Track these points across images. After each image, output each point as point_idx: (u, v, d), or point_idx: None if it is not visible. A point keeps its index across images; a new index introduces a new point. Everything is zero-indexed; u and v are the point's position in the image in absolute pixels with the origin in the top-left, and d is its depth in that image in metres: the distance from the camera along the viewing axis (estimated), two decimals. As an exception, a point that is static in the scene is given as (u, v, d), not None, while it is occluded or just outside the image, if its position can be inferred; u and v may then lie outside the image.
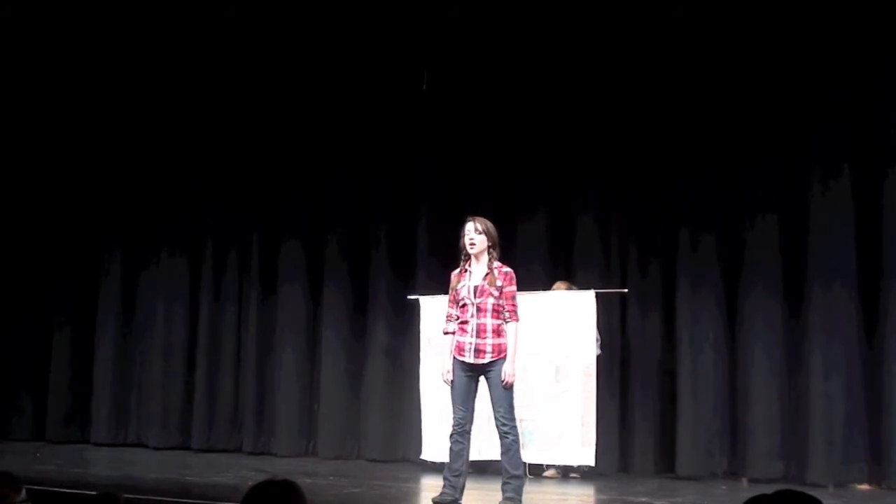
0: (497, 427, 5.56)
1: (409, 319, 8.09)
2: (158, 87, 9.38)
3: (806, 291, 7.14)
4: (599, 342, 7.32)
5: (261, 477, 2.85)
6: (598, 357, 7.23)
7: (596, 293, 7.25)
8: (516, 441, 5.54)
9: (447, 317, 5.73)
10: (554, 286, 7.52)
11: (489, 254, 5.66)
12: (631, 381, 7.71)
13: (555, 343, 7.08)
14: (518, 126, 8.17)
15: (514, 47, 8.09)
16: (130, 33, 8.89)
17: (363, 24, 8.36)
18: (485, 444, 6.65)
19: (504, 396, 5.52)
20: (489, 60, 8.20)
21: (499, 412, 5.52)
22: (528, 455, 6.60)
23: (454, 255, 8.18)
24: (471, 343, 5.56)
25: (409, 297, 7.97)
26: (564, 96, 8.04)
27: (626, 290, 7.61)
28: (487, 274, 5.61)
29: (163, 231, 9.52)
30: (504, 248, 5.96)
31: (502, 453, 5.55)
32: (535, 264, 7.87)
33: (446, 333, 5.72)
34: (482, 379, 5.63)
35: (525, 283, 6.40)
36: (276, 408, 8.82)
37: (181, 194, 9.42)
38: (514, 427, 5.54)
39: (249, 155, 9.17)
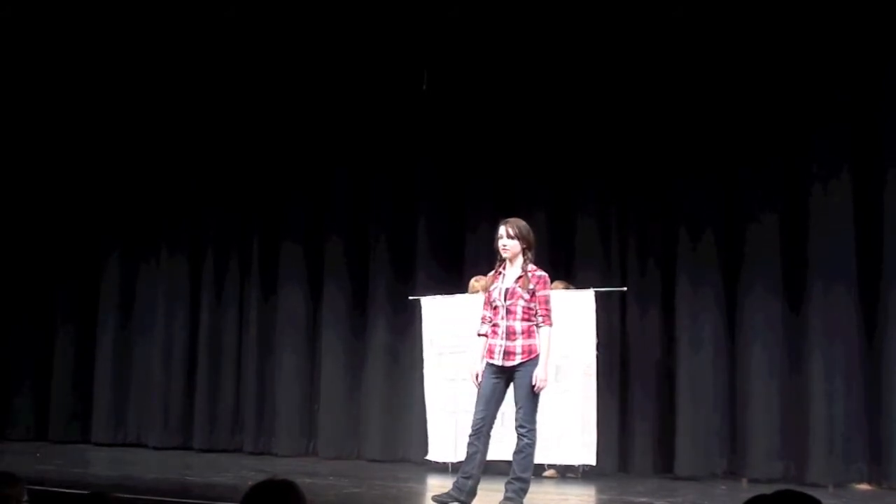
0: (515, 427, 5.50)
1: (408, 319, 8.10)
2: (158, 87, 9.38)
3: (806, 291, 7.13)
4: (597, 344, 7.27)
5: (261, 477, 2.85)
6: (597, 358, 7.21)
7: (595, 292, 7.25)
8: (531, 445, 5.46)
9: (481, 319, 5.68)
10: (552, 286, 7.49)
11: (524, 256, 5.61)
12: (631, 381, 7.70)
13: (554, 343, 7.04)
14: (518, 126, 8.17)
15: (514, 47, 8.10)
16: (130, 33, 8.90)
17: (363, 24, 8.36)
18: (491, 446, 6.62)
19: (528, 398, 5.45)
20: (489, 60, 8.20)
21: (519, 413, 5.47)
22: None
23: (454, 255, 8.30)
24: (500, 346, 5.52)
25: (410, 297, 7.97)
26: (564, 96, 8.04)
27: (625, 289, 7.61)
28: (520, 277, 5.55)
29: (163, 231, 9.52)
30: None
31: (514, 453, 5.49)
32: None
33: (479, 336, 5.67)
34: (511, 384, 5.56)
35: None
36: (276, 408, 8.82)
37: (181, 194, 9.42)
38: (533, 431, 5.46)
39: (249, 155, 9.18)
